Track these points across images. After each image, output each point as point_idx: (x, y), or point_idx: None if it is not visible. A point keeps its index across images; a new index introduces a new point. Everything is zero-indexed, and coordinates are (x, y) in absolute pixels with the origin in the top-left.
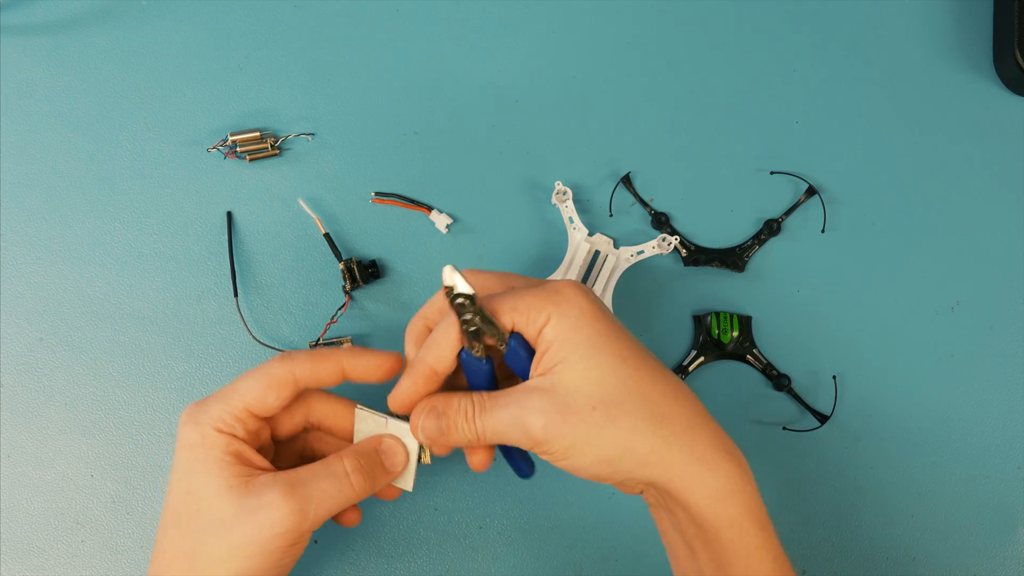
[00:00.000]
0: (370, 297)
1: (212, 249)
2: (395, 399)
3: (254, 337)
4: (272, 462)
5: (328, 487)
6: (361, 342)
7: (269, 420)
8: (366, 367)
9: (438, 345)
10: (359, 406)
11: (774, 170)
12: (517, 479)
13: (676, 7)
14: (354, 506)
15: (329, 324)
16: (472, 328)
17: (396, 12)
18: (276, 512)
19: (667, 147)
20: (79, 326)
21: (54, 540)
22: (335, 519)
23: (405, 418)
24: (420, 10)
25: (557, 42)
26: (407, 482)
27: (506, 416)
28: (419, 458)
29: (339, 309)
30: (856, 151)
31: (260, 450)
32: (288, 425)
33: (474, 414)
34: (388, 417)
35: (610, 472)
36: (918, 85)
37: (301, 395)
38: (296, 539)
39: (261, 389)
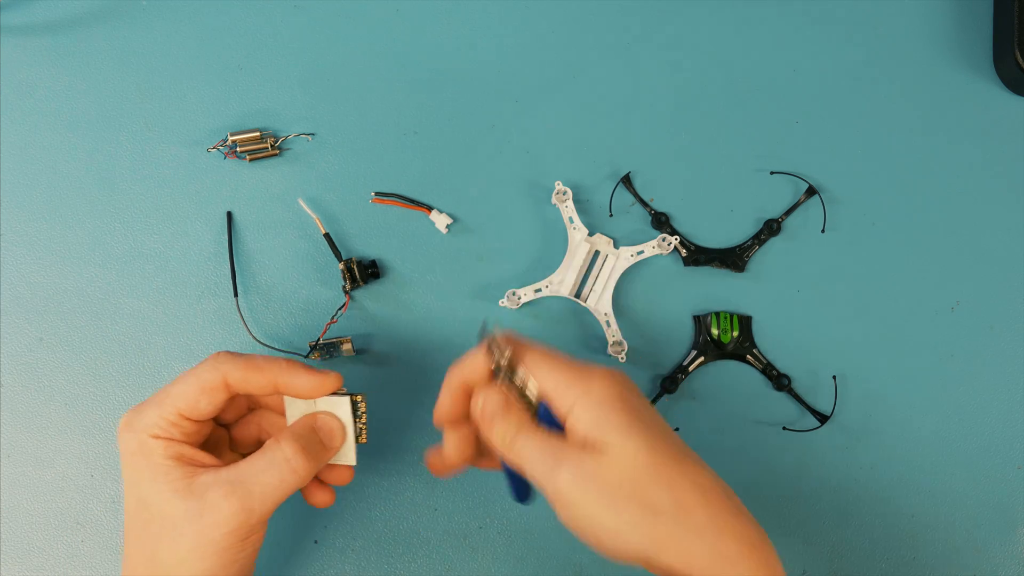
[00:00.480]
0: (370, 297)
1: (212, 249)
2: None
3: (254, 337)
4: (229, 448)
5: (270, 478)
6: (361, 342)
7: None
8: (299, 387)
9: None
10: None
11: (774, 170)
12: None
13: (676, 7)
14: (324, 486)
15: (329, 324)
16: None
17: (396, 12)
18: (219, 513)
19: (667, 147)
20: (79, 326)
21: (54, 540)
22: (308, 501)
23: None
24: (420, 10)
25: (557, 42)
26: (349, 457)
27: (544, 449)
28: (357, 435)
29: (339, 309)
30: (856, 151)
31: (209, 441)
32: (233, 411)
33: (518, 428)
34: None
35: (620, 547)
36: (918, 85)
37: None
38: (247, 533)
39: (193, 394)
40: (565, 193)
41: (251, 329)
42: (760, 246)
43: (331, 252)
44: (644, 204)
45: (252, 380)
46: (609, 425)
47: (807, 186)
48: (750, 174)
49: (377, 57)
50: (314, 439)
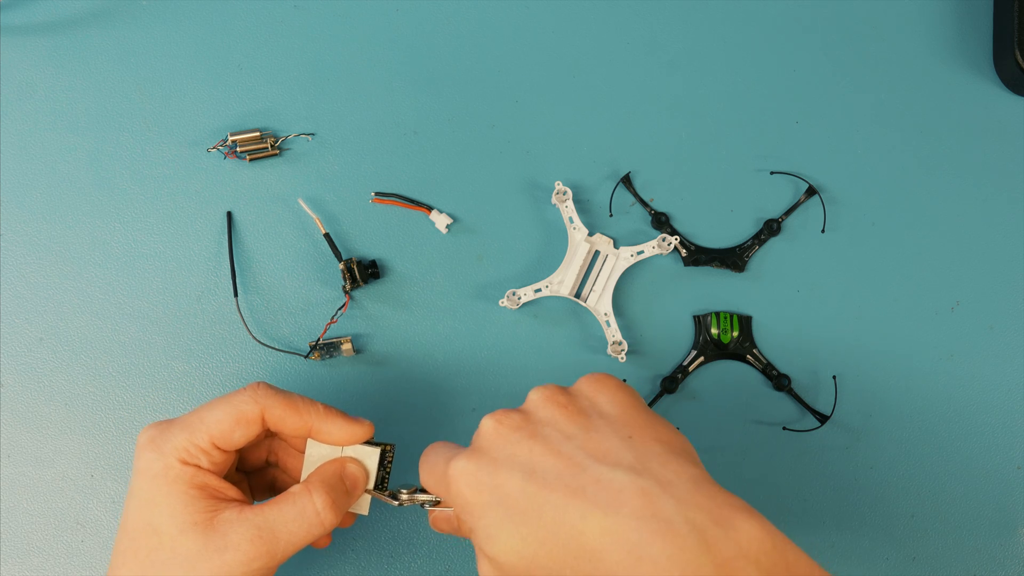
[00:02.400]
0: (370, 297)
1: (212, 249)
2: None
3: (254, 337)
4: (235, 468)
5: (298, 528)
6: (361, 342)
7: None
8: (334, 435)
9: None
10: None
11: (774, 170)
12: None
13: (676, 7)
14: None
15: (329, 324)
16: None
17: (396, 12)
18: (243, 555)
19: (667, 147)
20: (79, 326)
21: (54, 540)
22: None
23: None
24: (420, 10)
25: (557, 42)
26: (362, 506)
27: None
28: (378, 484)
29: (339, 309)
30: (856, 151)
31: (227, 477)
32: (253, 459)
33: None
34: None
35: None
36: (918, 85)
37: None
38: None
39: (229, 424)
40: (565, 193)
41: (251, 329)
42: (760, 246)
43: (331, 252)
44: (644, 204)
45: (289, 421)
46: (477, 533)
47: (807, 186)
48: (750, 174)
49: (377, 57)
50: (341, 488)
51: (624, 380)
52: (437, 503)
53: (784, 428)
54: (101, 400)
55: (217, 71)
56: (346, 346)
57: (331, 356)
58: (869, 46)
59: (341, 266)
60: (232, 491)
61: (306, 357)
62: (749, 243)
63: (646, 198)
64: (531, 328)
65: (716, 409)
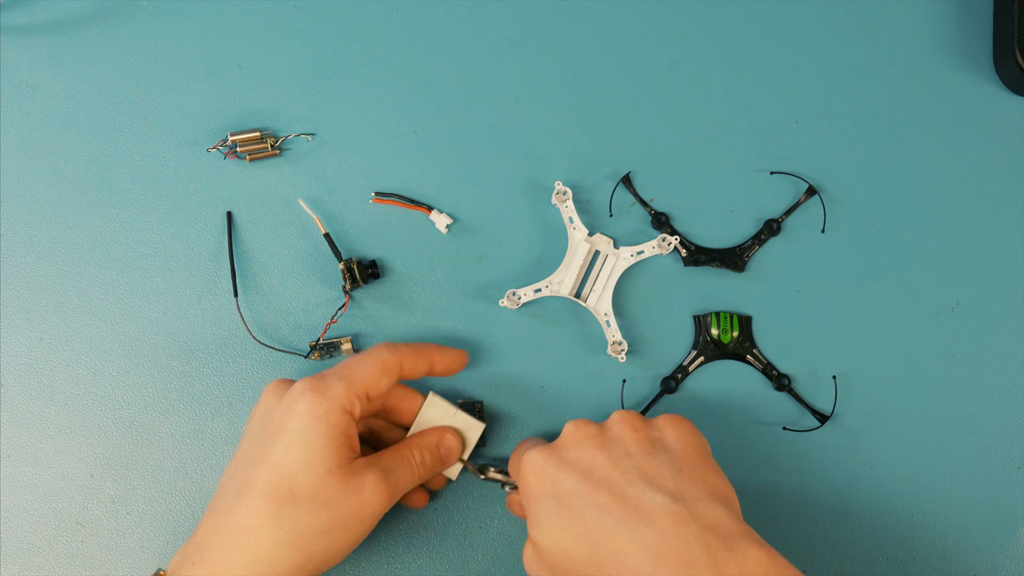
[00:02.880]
0: (370, 297)
1: (212, 249)
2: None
3: (254, 337)
4: None
5: (407, 475)
6: (361, 342)
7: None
8: (449, 361)
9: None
10: (433, 392)
11: (774, 170)
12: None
13: (676, 7)
14: (422, 489)
15: (329, 324)
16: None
17: (396, 12)
18: (376, 495)
19: (667, 147)
20: (79, 326)
21: (54, 540)
22: (407, 502)
23: (469, 411)
24: (420, 10)
25: (557, 42)
26: (453, 472)
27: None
28: (470, 456)
29: (339, 309)
30: (856, 151)
31: None
32: (371, 408)
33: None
34: (457, 409)
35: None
36: (918, 85)
37: None
38: (378, 519)
39: (377, 372)
40: (565, 193)
41: (251, 329)
42: (760, 246)
43: (331, 252)
44: (644, 204)
45: (419, 361)
46: (530, 518)
47: (807, 186)
48: (750, 174)
49: (377, 57)
50: (436, 455)
51: (690, 421)
52: (515, 487)
53: (784, 428)
54: (101, 400)
55: (217, 71)
56: (346, 346)
57: (331, 356)
58: (869, 46)
59: (341, 266)
60: (358, 443)
61: (306, 357)
62: (749, 243)
63: (646, 198)
64: (531, 328)
65: (716, 409)
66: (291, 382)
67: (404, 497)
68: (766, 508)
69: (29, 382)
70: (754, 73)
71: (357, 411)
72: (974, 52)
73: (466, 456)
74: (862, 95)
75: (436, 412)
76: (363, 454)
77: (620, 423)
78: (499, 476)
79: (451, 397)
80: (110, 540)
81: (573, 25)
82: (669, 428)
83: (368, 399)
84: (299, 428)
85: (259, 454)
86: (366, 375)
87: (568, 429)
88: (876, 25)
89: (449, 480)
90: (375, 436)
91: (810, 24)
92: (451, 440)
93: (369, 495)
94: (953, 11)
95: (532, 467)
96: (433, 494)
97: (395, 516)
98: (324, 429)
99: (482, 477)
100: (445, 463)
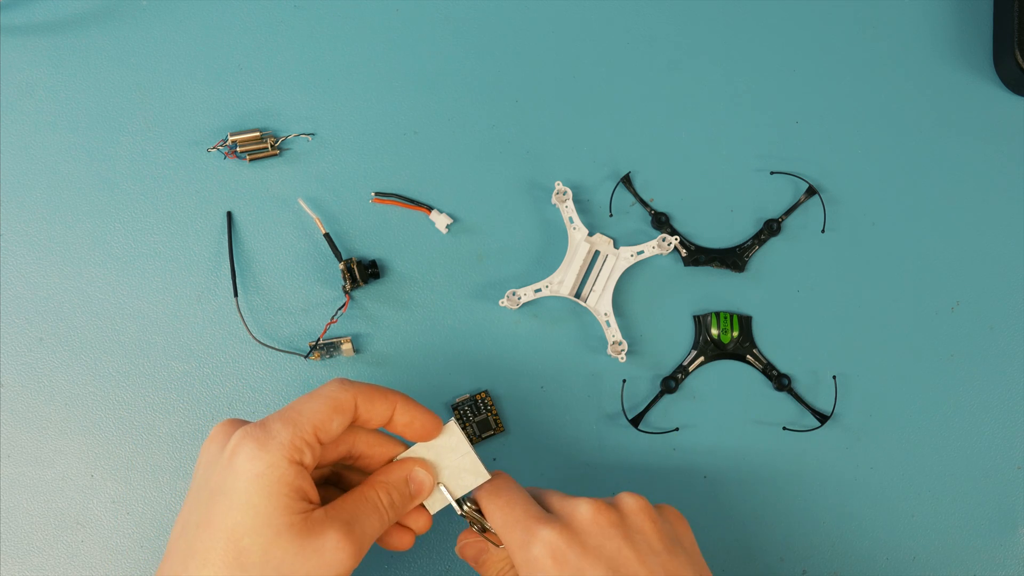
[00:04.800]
0: (370, 297)
1: (212, 249)
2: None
3: (254, 337)
4: None
5: (374, 522)
6: (361, 342)
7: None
8: (412, 417)
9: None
10: (454, 420)
11: (774, 170)
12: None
13: (676, 7)
14: (405, 528)
15: (329, 324)
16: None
17: (396, 12)
18: (340, 553)
19: (667, 147)
20: (79, 326)
21: (54, 540)
22: (388, 545)
23: (471, 406)
24: (420, 10)
25: (557, 42)
26: (482, 475)
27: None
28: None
29: (339, 309)
30: (856, 151)
31: None
32: (330, 455)
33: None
34: (471, 450)
35: None
36: (918, 85)
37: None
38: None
39: (327, 412)
40: (565, 193)
41: (251, 329)
42: (760, 246)
43: (331, 252)
44: (644, 204)
45: (377, 406)
46: None
47: (807, 186)
48: (750, 174)
49: (377, 57)
50: (405, 490)
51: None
52: (485, 531)
53: (784, 428)
54: (101, 400)
55: (217, 71)
56: (346, 346)
57: (331, 356)
58: (869, 46)
59: (341, 266)
60: (315, 493)
61: (306, 357)
62: (749, 243)
63: (646, 198)
64: (531, 328)
65: (716, 409)
66: (239, 424)
67: (382, 539)
68: (766, 508)
69: (29, 382)
70: (754, 73)
71: (308, 459)
72: (974, 52)
73: (474, 456)
74: (862, 95)
75: (450, 441)
76: (327, 500)
77: (639, 512)
78: (475, 515)
79: (452, 395)
80: (110, 540)
81: (573, 25)
82: (678, 523)
83: (320, 443)
84: (240, 488)
85: (202, 516)
86: (314, 416)
87: (587, 510)
88: (876, 25)
89: (431, 518)
90: (344, 480)
91: (810, 24)
92: (420, 474)
93: (331, 555)
94: (953, 11)
95: (551, 551)
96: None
97: None
98: (267, 487)
99: (459, 512)
100: (414, 499)
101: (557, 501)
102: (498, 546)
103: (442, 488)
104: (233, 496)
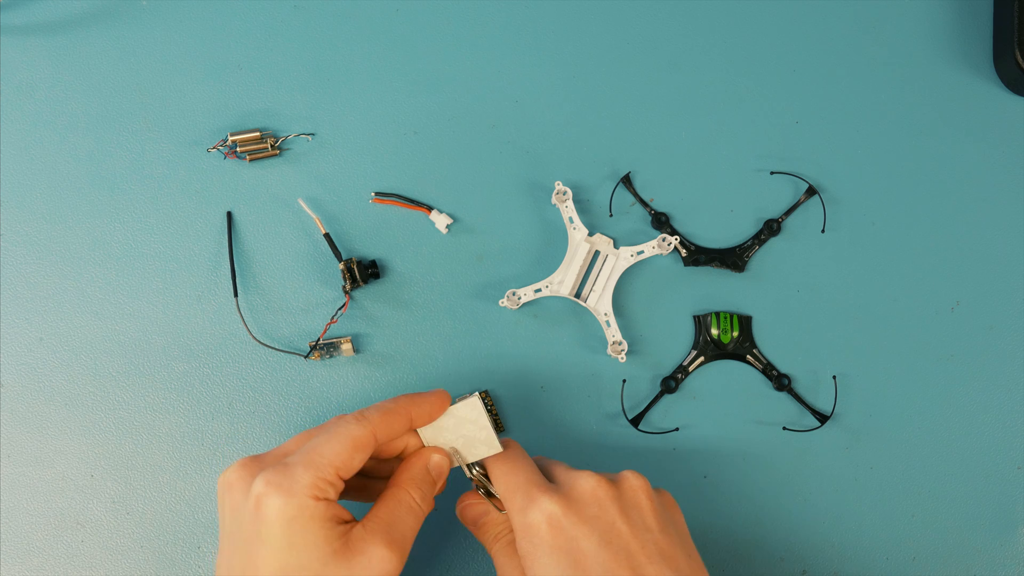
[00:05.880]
0: (370, 297)
1: (212, 249)
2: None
3: (254, 337)
4: None
5: (412, 522)
6: (361, 342)
7: None
8: (429, 413)
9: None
10: (478, 394)
11: (774, 170)
12: None
13: (676, 7)
14: None
15: (329, 324)
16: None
17: (396, 12)
18: (387, 564)
19: (667, 147)
20: (79, 326)
21: (54, 540)
22: None
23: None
24: (420, 10)
25: (557, 42)
26: (495, 446)
27: (505, 567)
28: (494, 425)
29: (339, 309)
30: (856, 151)
31: None
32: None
33: (492, 539)
34: (491, 425)
35: None
36: (918, 85)
37: None
38: None
39: (348, 453)
40: (565, 193)
41: (251, 329)
42: (760, 246)
43: (331, 252)
44: (644, 204)
45: (395, 424)
46: (532, 571)
47: (807, 186)
48: (750, 174)
49: (377, 57)
50: (429, 480)
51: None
52: (490, 496)
53: (784, 428)
54: (101, 400)
55: (217, 71)
56: (346, 346)
57: (331, 356)
58: (869, 46)
59: (341, 266)
60: (349, 514)
61: (306, 357)
62: (749, 243)
63: (646, 198)
64: (531, 328)
65: (716, 409)
66: (256, 465)
67: None
68: (766, 508)
69: (29, 382)
70: (754, 73)
71: (332, 494)
72: (974, 52)
73: (490, 428)
74: (862, 95)
75: (470, 415)
76: (356, 489)
77: (638, 490)
78: (484, 480)
79: (452, 395)
80: (110, 540)
81: (573, 25)
82: (673, 509)
83: (341, 479)
84: (276, 535)
85: (246, 566)
86: (336, 458)
87: (587, 482)
88: (876, 25)
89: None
90: (364, 469)
91: (810, 24)
92: (438, 460)
93: (379, 566)
94: (953, 11)
95: (548, 517)
96: None
97: None
98: (302, 526)
99: (469, 475)
100: (437, 483)
101: (562, 472)
102: (500, 511)
103: (457, 452)
104: (272, 542)
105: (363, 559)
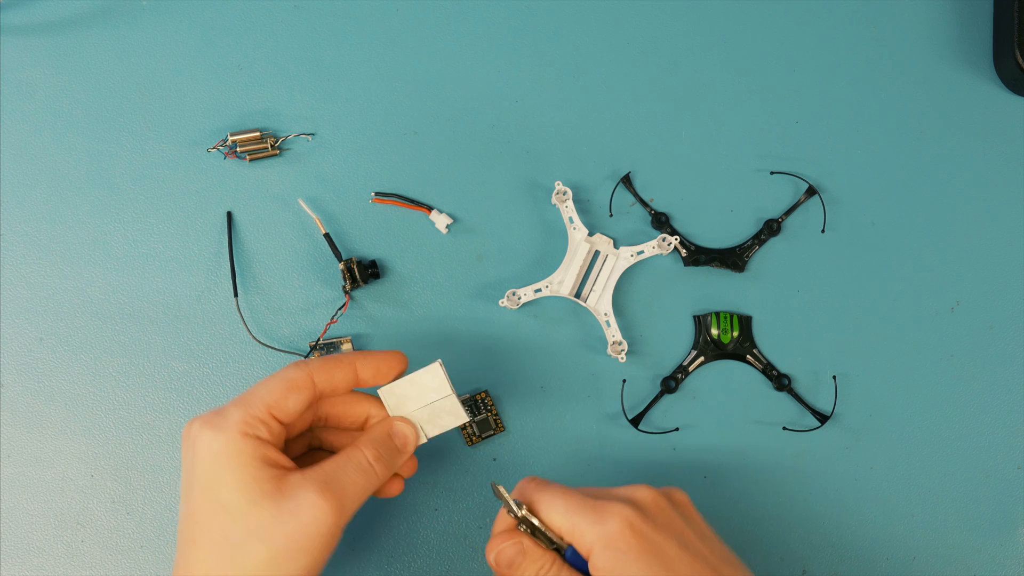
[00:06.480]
0: (370, 297)
1: (212, 249)
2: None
3: (254, 337)
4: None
5: (357, 479)
6: (361, 342)
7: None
8: (377, 368)
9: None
10: (440, 362)
11: (774, 170)
12: (517, 479)
13: (676, 7)
14: (395, 476)
15: (329, 324)
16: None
17: (396, 12)
18: (317, 511)
19: (667, 147)
20: (79, 326)
21: (54, 540)
22: (376, 494)
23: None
24: (420, 10)
25: (557, 42)
26: (461, 416)
27: None
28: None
29: (339, 309)
30: (856, 151)
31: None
32: (299, 424)
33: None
34: (452, 392)
35: None
36: (918, 85)
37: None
38: (335, 535)
39: (281, 391)
40: (565, 193)
41: (251, 329)
42: (760, 246)
43: (331, 252)
44: (644, 204)
45: (337, 373)
46: (612, 567)
47: (807, 186)
48: (750, 174)
49: (377, 57)
50: (391, 445)
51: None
52: (536, 532)
53: (784, 428)
54: (101, 400)
55: (217, 71)
56: (346, 346)
57: None
58: (869, 46)
59: (341, 266)
60: (289, 462)
61: (306, 357)
62: (749, 243)
63: (646, 198)
64: (531, 328)
65: (716, 409)
66: (211, 412)
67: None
68: (766, 508)
69: (29, 382)
70: (754, 73)
71: (264, 433)
72: (974, 52)
73: (454, 397)
74: (862, 95)
75: (432, 383)
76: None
77: (688, 504)
78: (531, 516)
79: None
80: (110, 540)
81: (573, 25)
82: (708, 524)
83: (276, 420)
84: (205, 470)
85: (187, 507)
86: (268, 396)
87: (648, 493)
88: (876, 25)
89: (417, 462)
90: (334, 445)
91: (810, 24)
92: (402, 427)
93: (308, 513)
94: (953, 11)
95: (629, 523)
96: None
97: (395, 516)
98: (230, 461)
99: (519, 514)
100: (402, 453)
101: (603, 490)
102: (553, 543)
103: (502, 491)
104: (202, 478)
105: (292, 503)
